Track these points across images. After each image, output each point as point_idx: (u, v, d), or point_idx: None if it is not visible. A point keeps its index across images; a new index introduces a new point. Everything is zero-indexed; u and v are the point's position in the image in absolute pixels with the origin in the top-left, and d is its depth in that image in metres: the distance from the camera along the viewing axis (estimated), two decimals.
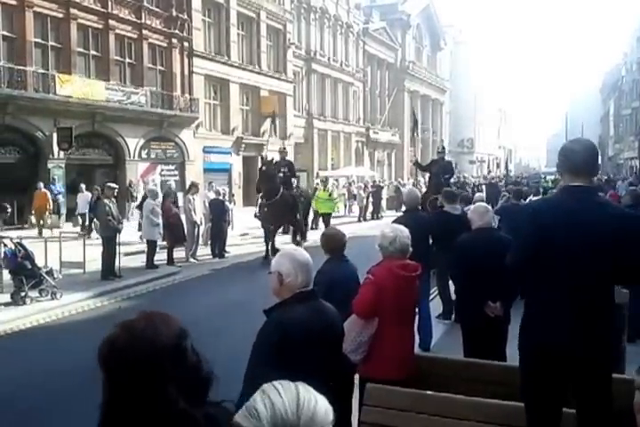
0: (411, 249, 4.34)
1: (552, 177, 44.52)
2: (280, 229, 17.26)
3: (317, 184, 25.98)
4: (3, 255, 10.62)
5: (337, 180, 37.26)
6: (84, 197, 19.79)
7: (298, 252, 3.02)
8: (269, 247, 15.20)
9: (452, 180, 16.83)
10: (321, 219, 22.50)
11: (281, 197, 15.25)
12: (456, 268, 5.25)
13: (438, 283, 8.82)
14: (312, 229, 22.61)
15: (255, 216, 16.51)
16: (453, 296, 8.91)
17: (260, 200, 16.11)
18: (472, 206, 5.77)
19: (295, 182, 17.88)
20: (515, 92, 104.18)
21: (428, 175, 16.68)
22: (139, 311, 1.69)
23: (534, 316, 3.22)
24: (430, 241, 7.77)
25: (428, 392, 3.78)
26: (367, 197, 29.30)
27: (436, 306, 8.65)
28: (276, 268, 2.96)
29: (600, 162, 6.98)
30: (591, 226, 3.04)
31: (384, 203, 31.60)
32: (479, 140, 75.38)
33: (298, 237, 16.93)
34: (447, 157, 18.04)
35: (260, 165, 15.84)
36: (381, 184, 33.62)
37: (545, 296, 3.16)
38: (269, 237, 15.55)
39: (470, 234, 5.30)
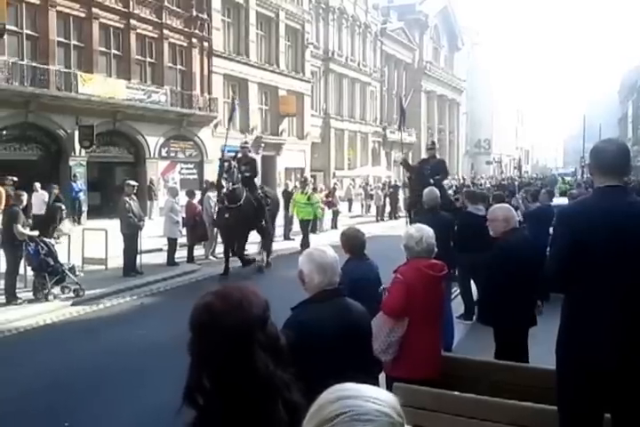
0: (436, 249, 4.38)
1: (569, 178, 44.12)
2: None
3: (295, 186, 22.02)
4: (26, 253, 10.77)
5: (354, 179, 37.30)
6: (39, 197, 17.68)
7: (318, 252, 3.02)
8: (227, 263, 12.97)
9: (445, 181, 14.21)
10: (301, 226, 18.23)
11: (245, 202, 12.97)
12: (493, 270, 5.22)
13: (460, 283, 8.84)
14: (332, 228, 22.71)
15: (213, 224, 14.21)
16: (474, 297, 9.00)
17: (219, 204, 13.40)
18: (497, 208, 5.69)
19: (260, 183, 15.62)
20: (532, 93, 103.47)
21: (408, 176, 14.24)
22: (227, 284, 1.82)
23: (572, 326, 3.15)
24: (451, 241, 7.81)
25: (455, 393, 3.77)
26: (385, 197, 29.28)
27: (456, 307, 8.68)
28: (300, 266, 3.01)
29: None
30: (627, 226, 3.00)
31: (402, 203, 31.54)
32: (496, 141, 75.02)
33: (262, 252, 14.34)
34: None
35: (220, 160, 13.28)
36: (399, 184, 33.56)
37: (582, 304, 3.11)
38: (229, 249, 13.27)
39: (505, 236, 5.24)
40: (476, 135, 72.23)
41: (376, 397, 1.21)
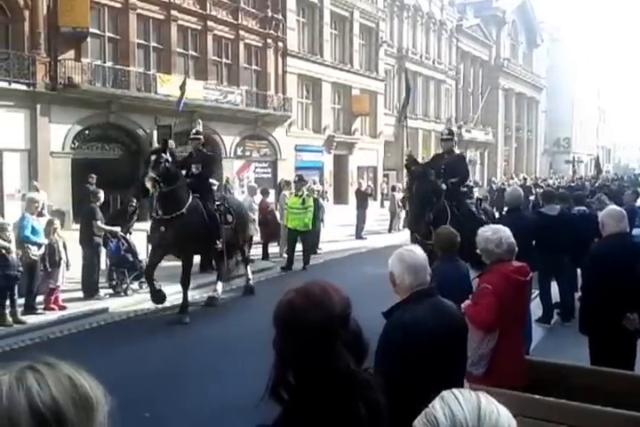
0: (516, 249, 4.21)
1: None
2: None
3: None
4: (108, 249, 11.14)
5: None
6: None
7: (408, 252, 2.98)
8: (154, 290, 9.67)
9: (467, 185, 10.18)
10: (289, 238, 14.44)
11: (188, 212, 9.57)
12: (589, 277, 4.96)
13: (540, 286, 8.56)
14: (403, 227, 22.44)
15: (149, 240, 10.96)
16: (554, 299, 8.71)
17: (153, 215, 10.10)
18: (605, 210, 5.37)
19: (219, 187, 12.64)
20: (614, 90, 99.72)
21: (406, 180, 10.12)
22: (310, 280, 1.82)
23: None
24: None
25: (536, 396, 3.69)
26: None
27: (534, 309, 8.41)
28: (390, 268, 2.98)
29: None
30: None
31: None
32: (576, 140, 72.67)
33: (219, 283, 11.09)
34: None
35: (150, 154, 9.35)
36: (472, 184, 32.85)
37: None
38: (151, 273, 9.81)
39: (603, 241, 4.97)
40: (555, 134, 70.17)
41: (459, 413, 1.24)
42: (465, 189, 9.81)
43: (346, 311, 1.71)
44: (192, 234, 9.54)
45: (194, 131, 10.95)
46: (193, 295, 11.21)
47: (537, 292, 8.81)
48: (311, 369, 1.64)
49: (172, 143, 9.90)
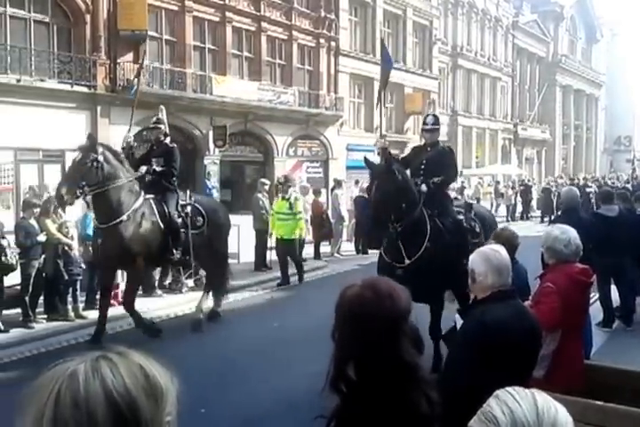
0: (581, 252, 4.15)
1: None
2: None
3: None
4: None
5: (481, 178, 36.34)
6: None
7: (493, 252, 2.97)
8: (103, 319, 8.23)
9: (454, 187, 8.07)
10: (278, 250, 12.76)
11: (131, 219, 8.07)
12: None
13: (599, 289, 8.35)
14: None
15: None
16: (614, 303, 8.48)
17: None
18: None
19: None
20: None
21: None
22: (375, 277, 1.91)
23: None
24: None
25: (598, 402, 3.60)
26: (515, 196, 28.41)
27: (595, 313, 8.21)
28: (471, 265, 2.97)
29: None
30: None
31: (534, 202, 30.41)
32: (638, 138, 70.45)
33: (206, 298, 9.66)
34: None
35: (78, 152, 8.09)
36: (529, 183, 32.38)
37: None
38: (105, 296, 8.52)
39: None
40: (615, 132, 68.16)
41: (517, 410, 1.24)
42: (456, 194, 8.07)
43: (409, 307, 1.75)
44: (134, 246, 8.04)
45: (154, 119, 9.46)
46: (244, 296, 11.38)
47: (596, 296, 8.62)
48: (377, 362, 1.65)
49: (129, 137, 8.83)
